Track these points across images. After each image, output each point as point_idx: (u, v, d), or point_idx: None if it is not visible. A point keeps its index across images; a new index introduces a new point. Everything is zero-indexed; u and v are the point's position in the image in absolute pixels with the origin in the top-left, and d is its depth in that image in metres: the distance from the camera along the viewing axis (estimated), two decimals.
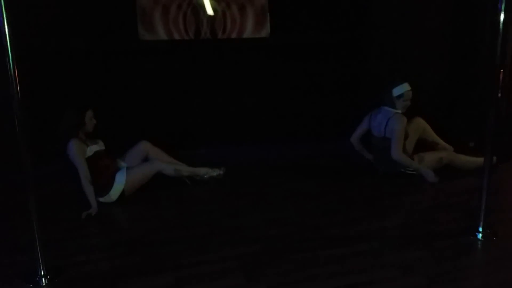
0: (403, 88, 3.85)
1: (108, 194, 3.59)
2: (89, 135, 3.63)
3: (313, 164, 4.47)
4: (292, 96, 4.74)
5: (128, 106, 4.42)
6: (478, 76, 4.73)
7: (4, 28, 2.29)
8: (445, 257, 2.73)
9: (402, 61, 4.56)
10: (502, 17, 2.74)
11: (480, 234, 2.91)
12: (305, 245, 2.90)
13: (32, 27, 4.00)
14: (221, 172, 3.98)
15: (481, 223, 2.92)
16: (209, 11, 4.41)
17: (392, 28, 4.52)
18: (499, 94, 2.93)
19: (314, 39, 4.58)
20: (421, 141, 4.17)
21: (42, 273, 2.59)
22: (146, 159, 3.89)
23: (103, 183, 3.57)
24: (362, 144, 4.19)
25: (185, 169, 3.89)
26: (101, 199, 3.60)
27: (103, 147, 3.69)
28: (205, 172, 3.94)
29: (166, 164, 3.82)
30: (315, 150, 4.70)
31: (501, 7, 2.72)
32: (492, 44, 4.46)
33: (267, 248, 2.88)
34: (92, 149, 3.56)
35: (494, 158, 4.01)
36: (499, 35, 2.81)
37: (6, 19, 2.28)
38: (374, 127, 3.98)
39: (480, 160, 3.93)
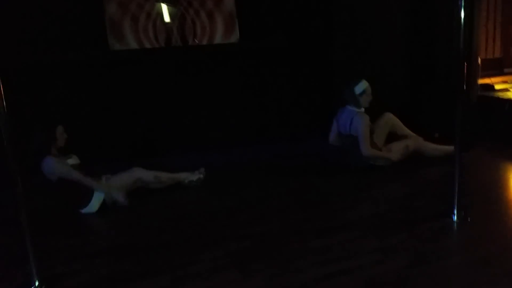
0: (363, 85, 4.06)
1: (89, 206, 3.59)
2: (61, 150, 3.62)
3: (289, 163, 4.58)
4: (263, 98, 4.87)
5: (102, 116, 4.41)
6: (439, 69, 5.00)
7: None
8: (425, 239, 2.90)
9: (366, 59, 4.76)
10: (462, 13, 2.94)
11: (455, 217, 3.09)
12: (292, 238, 3.01)
13: None
14: (201, 175, 4.04)
15: (455, 206, 3.11)
16: (166, 18, 4.46)
17: (356, 27, 4.73)
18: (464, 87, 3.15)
19: (281, 43, 4.71)
20: (391, 135, 4.37)
21: (37, 284, 2.59)
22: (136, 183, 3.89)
23: (82, 196, 3.57)
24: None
25: (165, 176, 3.93)
26: (83, 211, 3.59)
27: (78, 161, 3.69)
28: (185, 177, 3.99)
29: (146, 171, 3.84)
30: (289, 150, 4.84)
31: (461, 4, 2.93)
32: (452, 37, 4.89)
33: (256, 243, 2.97)
34: (67, 163, 3.56)
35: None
36: (460, 31, 3.00)
37: None
38: (341, 126, 4.18)
39: (444, 148, 4.24)
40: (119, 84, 4.46)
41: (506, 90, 5.29)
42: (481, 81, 5.37)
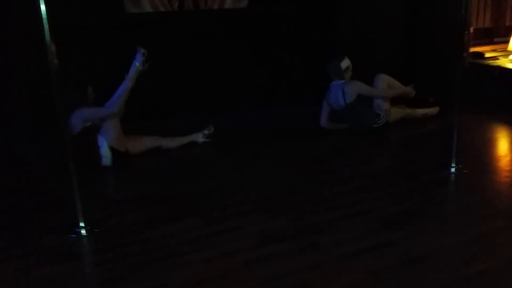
0: (347, 61, 4.37)
1: (101, 158, 3.83)
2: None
3: (295, 126, 4.81)
4: (270, 63, 5.11)
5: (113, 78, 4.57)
6: (433, 37, 5.29)
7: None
8: (428, 187, 3.25)
9: (367, 27, 5.01)
10: None
11: (453, 169, 3.44)
12: (310, 186, 3.33)
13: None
14: (211, 129, 4.32)
15: (454, 160, 3.45)
16: None
17: None
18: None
19: (287, 9, 4.93)
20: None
21: (81, 224, 2.86)
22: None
23: (93, 153, 3.81)
24: (333, 121, 4.59)
25: (182, 141, 4.24)
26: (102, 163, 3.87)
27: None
28: (197, 136, 4.28)
29: (167, 140, 4.18)
30: (294, 113, 5.05)
31: None
32: (448, 5, 5.17)
33: (274, 192, 3.28)
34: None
35: (438, 108, 4.72)
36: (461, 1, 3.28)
37: None
38: (333, 104, 4.42)
39: (432, 110, 4.72)
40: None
41: (496, 58, 5.62)
42: (472, 49, 5.70)
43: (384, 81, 4.54)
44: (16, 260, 2.58)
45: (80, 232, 2.83)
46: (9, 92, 4.40)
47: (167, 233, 2.78)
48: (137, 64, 3.79)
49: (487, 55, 5.69)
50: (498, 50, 5.90)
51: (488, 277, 2.20)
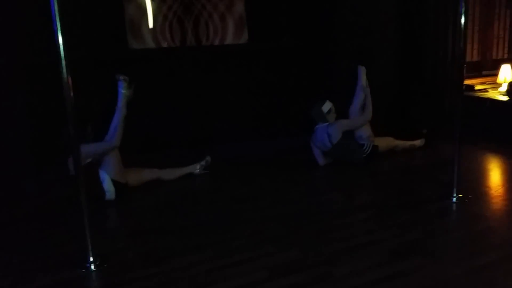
0: (329, 104, 4.52)
1: (105, 193, 3.85)
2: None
3: (292, 158, 4.89)
4: (269, 97, 5.22)
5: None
6: (426, 70, 5.47)
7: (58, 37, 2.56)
8: (432, 217, 3.31)
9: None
10: (463, 19, 3.37)
11: (455, 198, 3.51)
12: (313, 218, 3.38)
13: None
14: (208, 160, 4.40)
15: (455, 190, 3.53)
16: (150, 24, 4.74)
17: (355, 32, 5.13)
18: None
19: (287, 45, 5.08)
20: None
21: (91, 259, 2.84)
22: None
23: (97, 189, 3.83)
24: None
25: (179, 172, 4.30)
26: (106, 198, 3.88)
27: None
28: (195, 167, 4.34)
29: (165, 171, 4.24)
30: (291, 146, 5.11)
31: (461, 11, 3.36)
32: (438, 41, 5.37)
33: (281, 223, 3.30)
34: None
35: (423, 141, 4.86)
36: (461, 36, 3.43)
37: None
38: (321, 147, 4.52)
39: (419, 142, 4.90)
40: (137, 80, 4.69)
41: (485, 90, 5.81)
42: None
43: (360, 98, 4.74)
44: None
45: (90, 267, 2.82)
46: (8, 126, 4.41)
47: (179, 266, 2.78)
48: (122, 91, 3.88)
49: (477, 87, 5.89)
50: (487, 82, 6.11)
51: None
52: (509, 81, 5.54)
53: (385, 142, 4.69)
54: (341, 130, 4.45)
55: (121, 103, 3.90)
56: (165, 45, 4.75)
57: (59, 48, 2.57)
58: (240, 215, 3.48)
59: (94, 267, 2.82)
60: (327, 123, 4.48)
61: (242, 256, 2.85)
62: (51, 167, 4.28)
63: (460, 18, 3.39)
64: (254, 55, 5.08)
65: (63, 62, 2.60)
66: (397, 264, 2.66)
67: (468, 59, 6.48)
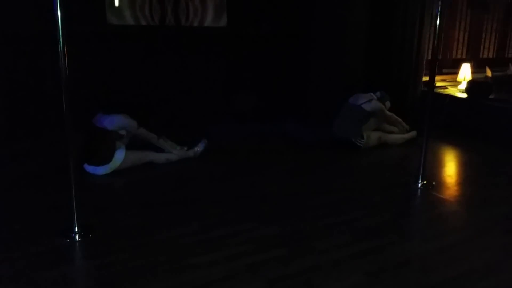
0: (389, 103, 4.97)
1: (105, 166, 3.87)
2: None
3: (270, 141, 5.03)
4: (246, 81, 5.32)
5: (93, 89, 4.60)
6: (392, 67, 5.73)
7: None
8: (399, 200, 3.58)
9: (336, 53, 5.35)
10: (438, 21, 3.60)
11: (419, 184, 3.79)
12: (290, 198, 3.55)
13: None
14: (204, 144, 4.42)
15: (420, 176, 3.80)
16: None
17: (330, 23, 5.29)
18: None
19: (265, 31, 5.19)
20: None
21: (76, 230, 2.87)
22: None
23: (105, 155, 3.87)
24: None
25: (175, 156, 4.26)
26: (97, 170, 3.89)
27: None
28: (192, 153, 4.34)
29: (158, 154, 4.19)
30: (267, 130, 5.26)
31: (438, 12, 3.58)
32: (404, 38, 5.62)
33: (262, 202, 3.45)
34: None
35: (415, 132, 5.09)
36: (436, 36, 3.67)
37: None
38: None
39: (406, 136, 5.02)
40: (114, 57, 4.68)
41: (445, 87, 6.17)
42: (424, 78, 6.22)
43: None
44: (7, 263, 2.56)
45: (75, 237, 2.85)
46: None
47: (165, 238, 2.87)
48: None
49: (437, 84, 6.23)
50: (447, 80, 6.48)
51: (471, 279, 2.49)
52: (468, 80, 5.91)
53: (377, 136, 4.87)
54: (378, 109, 4.73)
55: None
56: (144, 23, 4.73)
57: (57, 19, 2.58)
58: (219, 194, 3.60)
59: (79, 237, 2.85)
60: (378, 100, 4.82)
61: (227, 230, 2.97)
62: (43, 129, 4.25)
63: (436, 19, 3.61)
64: (233, 39, 5.15)
65: (60, 32, 2.60)
66: (372, 241, 2.87)
67: (429, 57, 6.81)
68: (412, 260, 2.69)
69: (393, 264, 2.62)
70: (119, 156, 3.90)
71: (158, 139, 4.17)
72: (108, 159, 3.88)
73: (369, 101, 4.76)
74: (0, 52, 4.28)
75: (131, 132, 4.02)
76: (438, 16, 3.60)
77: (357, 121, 4.70)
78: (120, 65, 4.71)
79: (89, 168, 3.91)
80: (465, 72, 6.23)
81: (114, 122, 3.91)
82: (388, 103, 4.99)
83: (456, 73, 6.45)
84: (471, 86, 5.65)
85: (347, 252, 2.73)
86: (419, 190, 3.76)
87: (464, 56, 7.22)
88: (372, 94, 4.88)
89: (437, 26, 3.63)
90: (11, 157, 4.15)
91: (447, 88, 6.13)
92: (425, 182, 3.80)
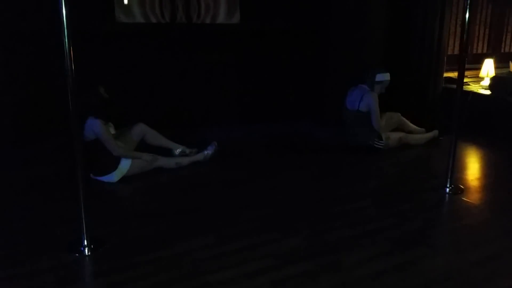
0: (384, 77, 4.43)
1: (111, 175, 3.68)
2: (103, 114, 3.67)
3: (286, 142, 4.82)
4: (259, 79, 5.11)
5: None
6: (412, 64, 5.49)
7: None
8: (428, 207, 3.34)
9: (355, 47, 5.12)
10: (467, 15, 3.37)
11: (447, 189, 3.56)
12: (312, 206, 3.33)
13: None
14: (214, 146, 4.16)
15: (449, 181, 3.57)
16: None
17: (350, 20, 5.05)
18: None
19: (280, 27, 4.97)
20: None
21: (86, 243, 2.69)
22: (142, 141, 4.00)
23: (108, 164, 3.66)
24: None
25: (185, 161, 4.04)
26: (103, 178, 3.68)
27: (114, 131, 3.78)
28: (202, 157, 4.11)
29: (167, 159, 3.97)
30: (282, 130, 5.08)
31: (467, 5, 3.35)
32: (424, 34, 5.39)
33: (281, 209, 3.25)
34: (111, 131, 3.67)
35: (436, 131, 4.85)
36: (464, 31, 3.44)
37: None
38: (349, 102, 4.48)
39: (428, 135, 4.80)
40: (124, 56, 4.50)
41: (467, 83, 5.90)
42: (445, 74, 5.97)
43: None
44: (11, 282, 2.38)
45: (84, 251, 2.67)
46: None
47: (179, 252, 2.68)
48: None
49: None
50: (469, 76, 6.21)
51: None
52: (491, 76, 5.65)
53: (398, 136, 4.61)
54: (369, 104, 4.35)
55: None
56: (154, 20, 4.54)
57: (62, 19, 2.40)
58: (237, 201, 3.39)
59: (88, 251, 2.68)
60: (369, 89, 4.41)
61: (244, 242, 2.77)
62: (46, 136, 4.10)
63: (465, 13, 3.38)
64: (246, 36, 4.93)
65: (66, 33, 2.42)
66: (403, 254, 2.65)
67: (450, 52, 6.56)
68: (449, 275, 2.47)
69: (428, 279, 2.42)
70: (125, 163, 3.70)
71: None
72: (112, 167, 3.67)
73: (362, 98, 4.39)
74: (7, 52, 4.12)
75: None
76: (467, 10, 3.37)
77: (364, 124, 4.43)
78: (129, 64, 4.53)
79: (95, 177, 3.72)
80: (488, 68, 5.95)
81: (89, 126, 3.59)
82: (380, 86, 4.48)
83: (477, 68, 6.18)
84: (495, 82, 5.39)
85: (378, 267, 2.53)
86: (447, 195, 3.54)
87: (485, 51, 6.95)
88: (362, 86, 4.48)
89: (466, 20, 3.40)
90: (17, 162, 3.99)
91: (469, 85, 5.86)
92: (452, 186, 3.58)
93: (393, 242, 2.79)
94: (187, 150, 4.14)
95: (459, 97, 3.58)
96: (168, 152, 4.09)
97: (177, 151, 4.12)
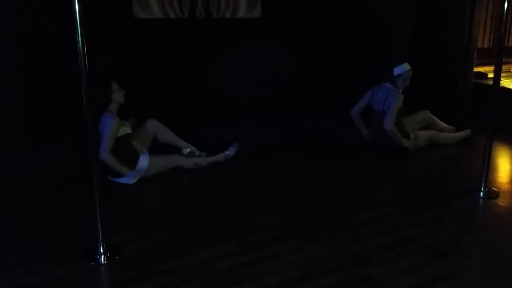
0: (403, 68, 4.14)
1: (128, 176, 3.56)
2: (120, 110, 3.59)
3: (309, 141, 4.64)
4: (280, 76, 4.93)
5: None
6: (440, 58, 5.24)
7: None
8: (461, 213, 3.14)
9: (380, 42, 4.91)
10: (506, 4, 3.13)
11: (482, 193, 3.35)
12: (339, 210, 3.16)
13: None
14: (236, 148, 4.02)
15: (483, 184, 3.36)
16: None
17: (373, 14, 4.84)
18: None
19: (302, 20, 4.78)
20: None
21: (102, 250, 2.58)
22: (154, 138, 3.88)
23: (125, 165, 3.55)
24: (361, 118, 4.43)
25: (204, 161, 3.92)
26: (121, 180, 3.57)
27: (130, 131, 3.66)
28: (223, 157, 3.97)
29: (186, 159, 3.85)
30: (305, 128, 4.91)
31: None
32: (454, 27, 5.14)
33: (307, 214, 3.09)
34: (125, 130, 3.56)
35: (469, 131, 4.61)
36: (502, 20, 3.20)
37: None
38: (375, 102, 4.24)
39: (458, 135, 4.54)
40: (142, 52, 4.38)
41: None
42: (475, 69, 5.70)
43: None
44: None
45: (100, 260, 2.56)
46: (7, 97, 4.04)
47: (199, 261, 2.54)
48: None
49: (490, 75, 5.70)
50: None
51: None
52: None
53: (427, 135, 4.40)
54: (394, 104, 4.07)
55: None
56: (172, 16, 4.40)
57: (75, 15, 2.28)
58: (260, 205, 3.25)
59: (105, 259, 2.57)
60: (393, 88, 4.15)
61: (267, 251, 2.62)
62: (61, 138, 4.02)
63: (504, 2, 3.15)
64: (267, 30, 4.76)
65: (79, 31, 2.30)
66: (439, 266, 2.47)
67: (479, 45, 6.27)
68: None
69: None
70: (143, 163, 3.58)
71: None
72: (129, 168, 3.56)
73: (387, 98, 4.13)
74: (21, 51, 4.03)
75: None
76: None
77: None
78: (148, 61, 4.41)
79: (112, 179, 3.61)
80: None
81: (104, 123, 3.50)
82: (402, 79, 4.18)
83: (509, 63, 5.89)
84: None
85: (412, 281, 2.35)
86: (481, 200, 3.33)
87: None
88: (386, 84, 4.21)
89: (505, 10, 3.17)
90: (32, 164, 3.92)
91: (500, 79, 5.58)
92: (487, 190, 3.37)
93: (427, 253, 2.61)
94: (197, 152, 4.00)
95: (495, 94, 3.35)
96: (177, 151, 3.97)
97: (186, 151, 3.99)
